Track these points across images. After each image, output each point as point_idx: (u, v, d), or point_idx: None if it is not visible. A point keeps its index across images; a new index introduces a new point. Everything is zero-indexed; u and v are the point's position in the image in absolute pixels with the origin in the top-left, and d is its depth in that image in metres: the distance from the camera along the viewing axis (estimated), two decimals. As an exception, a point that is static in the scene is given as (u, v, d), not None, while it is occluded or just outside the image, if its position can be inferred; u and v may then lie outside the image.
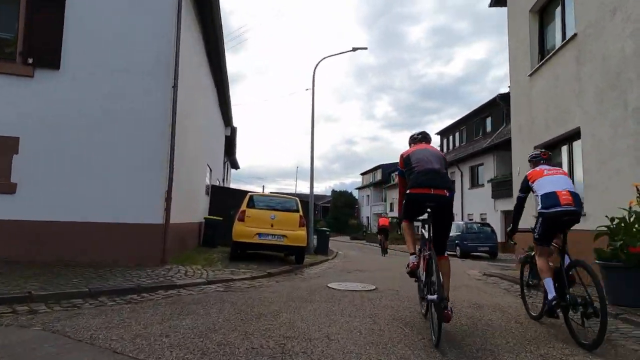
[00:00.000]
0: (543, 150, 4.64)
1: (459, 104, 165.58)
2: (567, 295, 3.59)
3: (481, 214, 24.79)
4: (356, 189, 59.01)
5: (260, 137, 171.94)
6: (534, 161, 4.40)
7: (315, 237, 15.80)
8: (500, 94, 23.76)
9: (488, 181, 23.38)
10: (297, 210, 9.58)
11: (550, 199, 3.82)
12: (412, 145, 4.26)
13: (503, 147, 22.53)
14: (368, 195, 53.59)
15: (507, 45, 10.83)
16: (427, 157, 3.88)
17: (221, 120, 19.47)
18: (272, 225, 9.08)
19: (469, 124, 28.04)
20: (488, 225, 19.54)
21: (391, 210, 44.47)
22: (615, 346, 3.54)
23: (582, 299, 3.45)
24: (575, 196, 3.81)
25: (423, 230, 3.96)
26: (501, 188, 22.24)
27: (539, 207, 3.91)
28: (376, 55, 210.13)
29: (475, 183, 26.17)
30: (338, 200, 54.34)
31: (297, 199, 10.17)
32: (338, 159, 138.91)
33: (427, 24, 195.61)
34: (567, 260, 3.83)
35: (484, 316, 4.62)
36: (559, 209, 3.76)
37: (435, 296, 3.26)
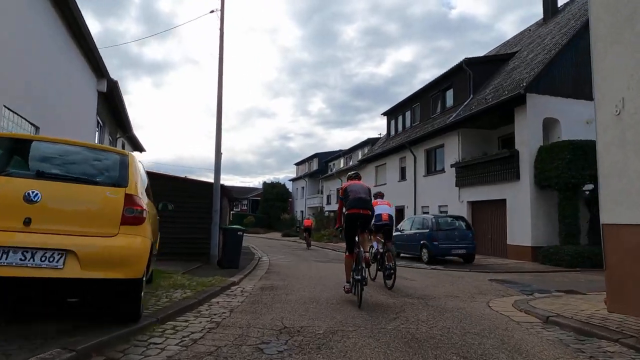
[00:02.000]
0: (380, 192, 8.87)
1: (389, 104, 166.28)
2: (383, 264, 7.47)
3: (440, 206, 20.14)
4: (290, 180, 53.14)
5: (187, 127, 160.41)
6: (376, 196, 7.94)
7: (220, 239, 9.90)
8: (467, 59, 19.30)
9: (451, 165, 18.79)
10: (121, 183, 3.59)
11: (377, 217, 7.46)
12: (349, 180, 6.68)
13: (470, 124, 18.09)
14: (303, 187, 48.01)
15: None
16: (357, 190, 6.27)
17: (84, 66, 12.69)
18: (27, 222, 3.09)
19: (424, 99, 23.31)
20: (463, 219, 14.71)
21: (328, 203, 39.35)
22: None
23: (389, 266, 7.30)
24: (390, 218, 7.89)
25: (356, 238, 6.14)
26: (469, 173, 17.69)
27: (373, 221, 6.97)
28: (310, 52, 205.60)
29: (432, 169, 21.54)
30: (270, 193, 47.96)
31: (127, 155, 3.95)
32: (272, 154, 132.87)
33: (361, 24, 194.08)
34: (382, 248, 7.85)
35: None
36: (380, 222, 7.68)
37: (359, 277, 5.64)
